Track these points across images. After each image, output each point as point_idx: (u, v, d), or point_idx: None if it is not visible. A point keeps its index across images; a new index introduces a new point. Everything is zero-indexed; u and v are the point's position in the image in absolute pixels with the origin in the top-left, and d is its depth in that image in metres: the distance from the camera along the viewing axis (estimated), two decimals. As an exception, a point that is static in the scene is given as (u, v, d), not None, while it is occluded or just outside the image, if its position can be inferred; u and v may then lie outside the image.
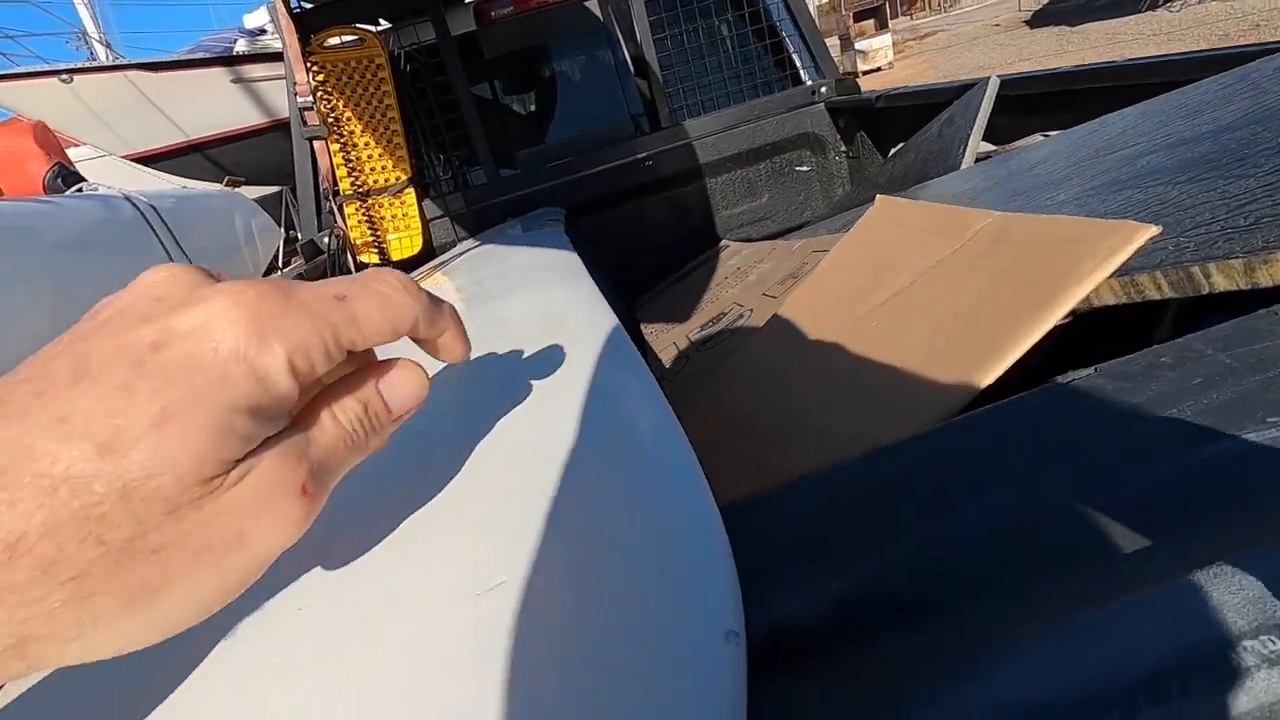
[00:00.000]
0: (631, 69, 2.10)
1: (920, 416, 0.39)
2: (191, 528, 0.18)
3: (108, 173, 5.06)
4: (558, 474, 0.27)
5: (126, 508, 0.17)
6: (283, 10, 1.64)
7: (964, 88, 1.30)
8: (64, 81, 5.48)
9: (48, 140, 2.70)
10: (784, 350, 0.61)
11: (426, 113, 1.88)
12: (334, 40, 1.71)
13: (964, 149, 1.03)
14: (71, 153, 4.85)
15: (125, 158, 5.67)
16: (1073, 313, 0.43)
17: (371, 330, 0.22)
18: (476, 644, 0.19)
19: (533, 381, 0.40)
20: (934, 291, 0.50)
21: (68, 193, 2.54)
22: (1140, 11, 10.84)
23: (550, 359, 0.41)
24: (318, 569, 0.28)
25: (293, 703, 0.21)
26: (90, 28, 9.41)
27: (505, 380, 0.40)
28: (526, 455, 0.32)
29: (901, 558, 0.24)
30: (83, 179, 2.69)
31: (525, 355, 0.43)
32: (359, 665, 0.21)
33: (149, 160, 5.72)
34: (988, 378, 0.39)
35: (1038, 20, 13.46)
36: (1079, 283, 0.40)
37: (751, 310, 0.87)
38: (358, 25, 1.73)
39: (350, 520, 0.31)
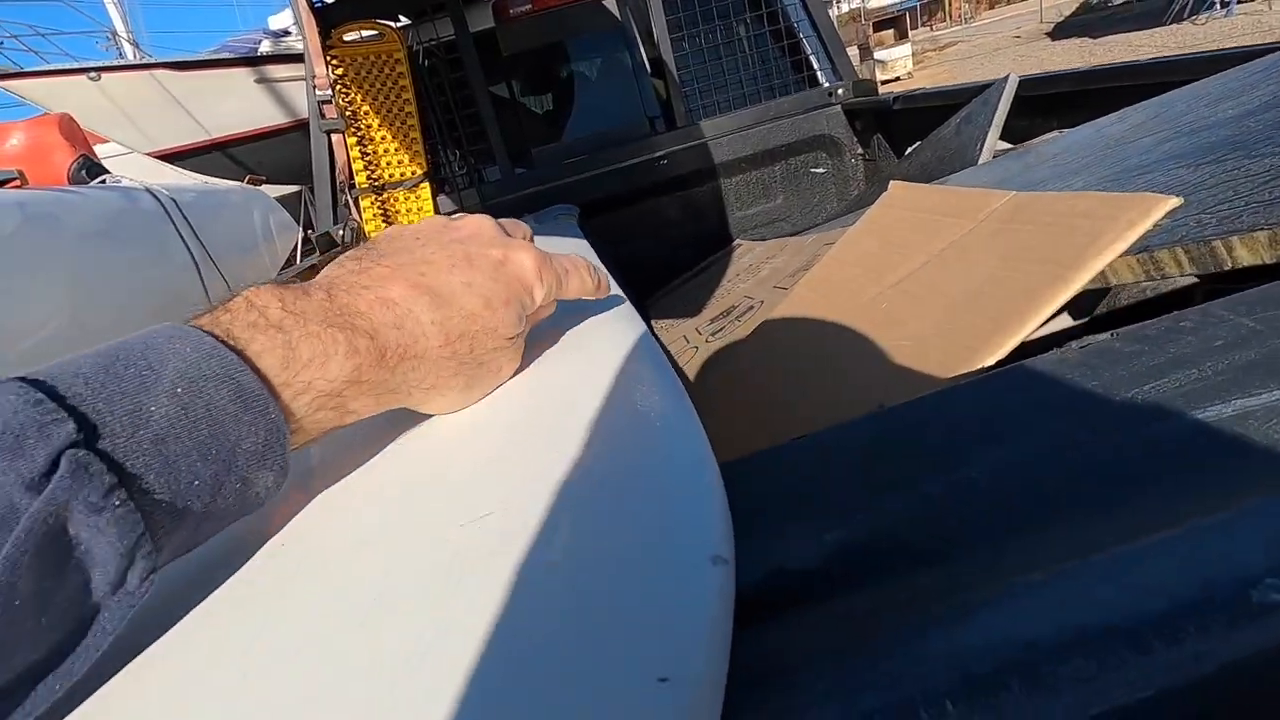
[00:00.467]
0: (648, 68, 2.11)
1: (929, 387, 0.38)
2: (497, 357, 0.32)
3: (132, 169, 5.14)
4: (548, 408, 0.27)
5: (483, 338, 0.31)
6: (304, 4, 1.66)
7: (982, 88, 1.29)
8: (92, 79, 5.59)
9: (73, 132, 2.74)
10: (794, 331, 0.60)
11: (443, 108, 1.89)
12: (353, 35, 1.72)
13: (981, 146, 1.02)
14: (98, 149, 4.94)
15: (149, 155, 5.76)
16: (1087, 297, 0.42)
17: (570, 292, 0.37)
18: (455, 572, 0.18)
19: (538, 346, 0.39)
20: (947, 271, 0.49)
21: (91, 184, 2.58)
22: (1164, 24, 10.74)
23: (553, 323, 0.41)
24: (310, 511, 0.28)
25: (268, 635, 0.20)
26: (120, 27, 9.60)
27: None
28: (519, 397, 0.32)
29: (902, 509, 0.23)
30: (106, 171, 2.73)
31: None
32: (334, 591, 0.20)
33: (172, 158, 5.81)
34: (998, 352, 0.38)
35: (1059, 32, 13.37)
36: (1097, 255, 0.39)
37: (762, 302, 0.87)
38: (377, 20, 1.74)
39: (350, 454, 0.32)
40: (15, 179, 2.07)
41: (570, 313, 0.41)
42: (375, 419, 0.30)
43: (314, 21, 1.69)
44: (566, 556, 0.18)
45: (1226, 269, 0.35)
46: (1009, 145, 1.17)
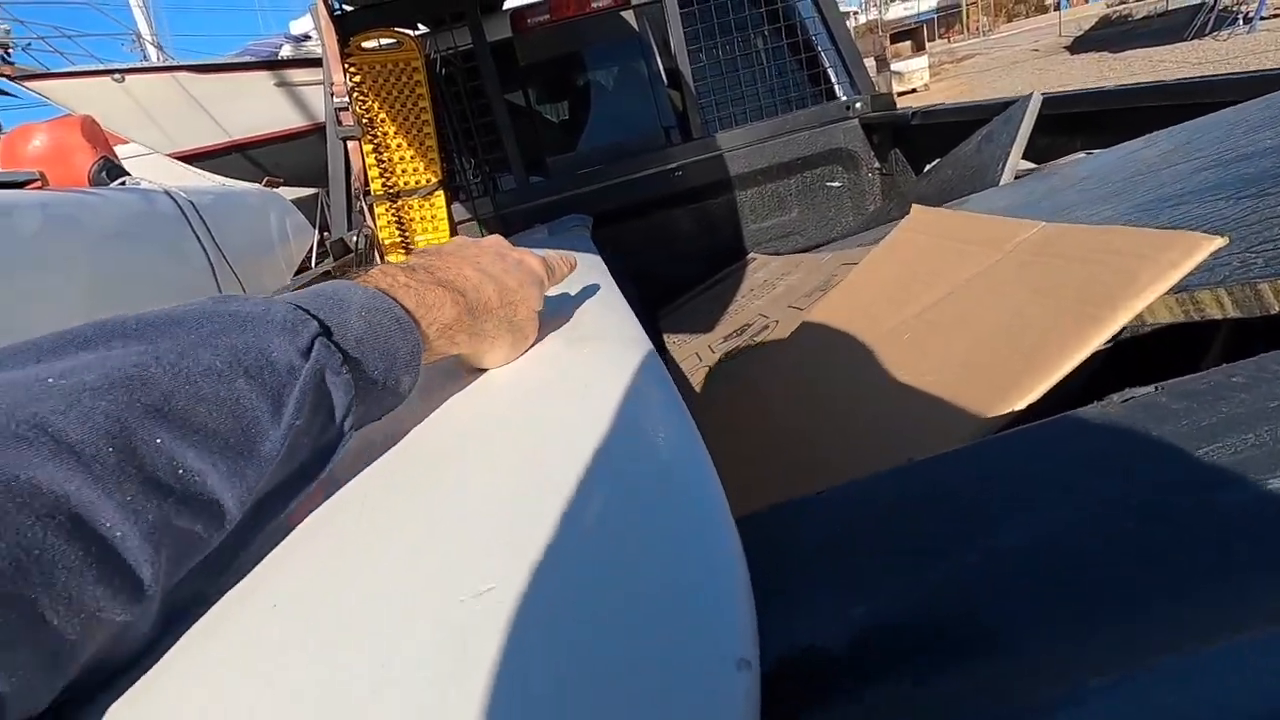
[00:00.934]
0: (665, 79, 2.10)
1: (956, 435, 0.37)
2: (527, 324, 0.44)
3: (153, 169, 5.21)
4: (563, 478, 0.25)
5: (519, 307, 0.43)
6: (323, 11, 1.67)
7: (1004, 105, 1.27)
8: (117, 81, 5.67)
9: (95, 134, 2.77)
10: (810, 361, 0.59)
11: (459, 117, 1.89)
12: (372, 43, 1.73)
13: (1003, 165, 1.00)
14: (119, 149, 5.00)
15: (170, 155, 5.83)
16: (1119, 334, 0.40)
17: (558, 278, 0.51)
18: (456, 655, 0.17)
19: (548, 384, 0.39)
20: (972, 304, 0.47)
21: (111, 185, 2.61)
22: (1186, 40, 10.65)
23: (569, 362, 0.40)
24: (303, 564, 0.27)
25: (260, 701, 0.19)
26: (144, 30, 9.75)
27: (519, 384, 0.42)
28: (533, 459, 0.31)
29: (937, 581, 0.22)
30: (126, 173, 2.76)
31: (543, 358, 0.45)
32: (331, 662, 0.19)
33: (193, 159, 5.87)
34: (1030, 395, 0.36)
35: (1079, 46, 13.29)
36: (1135, 296, 0.37)
37: (777, 322, 0.85)
38: (396, 29, 1.75)
39: (350, 521, 0.31)
40: (36, 180, 2.09)
41: (586, 347, 0.40)
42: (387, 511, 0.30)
43: (333, 29, 1.70)
44: (576, 660, 0.16)
45: (1274, 313, 0.34)
46: (1032, 165, 1.15)
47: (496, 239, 0.47)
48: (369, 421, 0.35)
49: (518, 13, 1.96)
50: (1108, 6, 20.39)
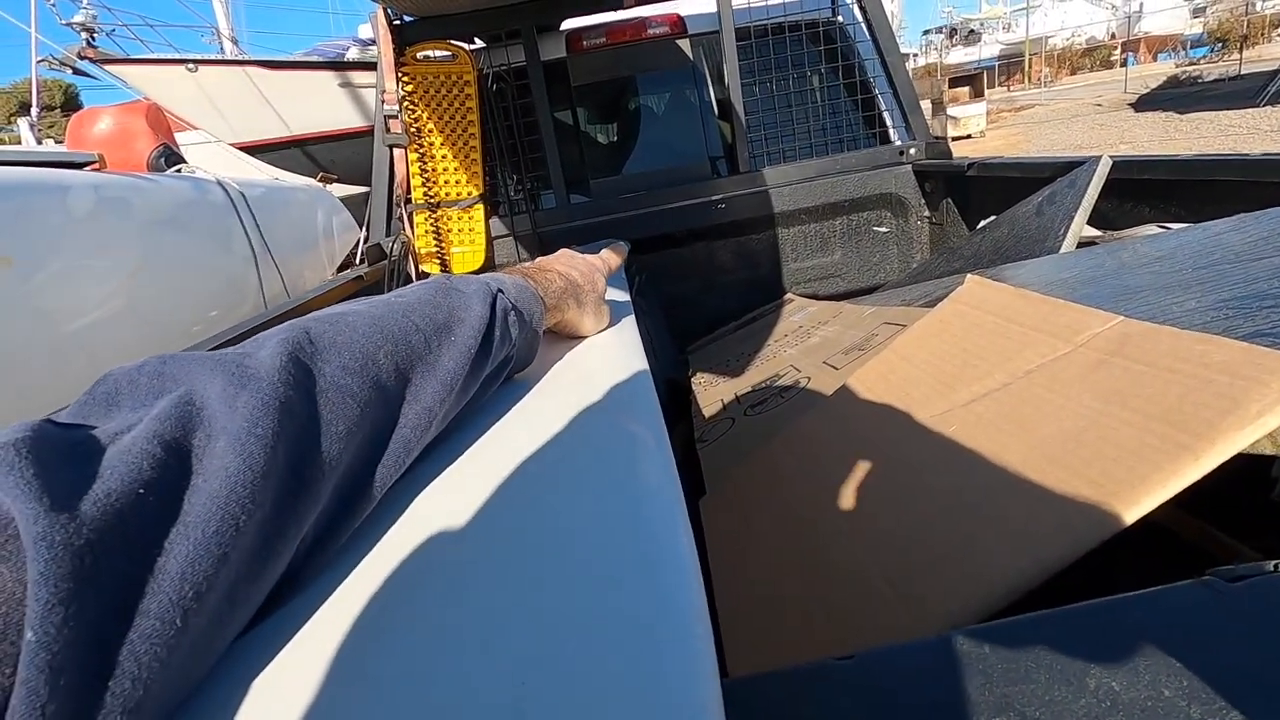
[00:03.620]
0: (715, 110, 2.08)
1: (995, 579, 0.31)
2: (600, 305, 0.64)
3: (213, 157, 5.39)
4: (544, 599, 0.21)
5: (593, 290, 0.64)
6: (382, 21, 1.69)
7: (1069, 165, 1.20)
8: (190, 70, 5.92)
9: (158, 121, 2.86)
10: (842, 438, 0.53)
11: (506, 132, 1.89)
12: (426, 53, 1.74)
13: (1065, 231, 0.94)
14: (185, 135, 5.18)
15: (232, 145, 6.04)
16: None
17: (616, 267, 0.74)
18: None
19: (535, 461, 0.36)
20: (1032, 401, 0.42)
21: (167, 172, 2.68)
22: (1258, 105, 10.34)
23: (567, 433, 0.36)
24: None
25: None
26: (223, 25, 10.16)
27: (508, 450, 0.40)
28: (488, 561, 0.27)
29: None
30: (183, 160, 2.83)
31: (542, 418, 0.44)
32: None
33: (253, 150, 6.06)
34: (1104, 530, 0.31)
35: (1144, 104, 13.01)
36: (1237, 428, 0.31)
37: (809, 379, 0.80)
38: (452, 42, 1.76)
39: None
40: (95, 162, 2.15)
41: (587, 428, 0.37)
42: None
43: (390, 38, 1.71)
44: None
45: None
46: (1096, 232, 1.08)
47: (563, 251, 0.66)
48: (520, 365, 0.51)
49: (574, 34, 1.96)
50: (1176, 66, 19.98)
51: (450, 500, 0.35)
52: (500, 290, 0.47)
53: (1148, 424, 0.35)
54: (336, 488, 0.30)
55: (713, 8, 1.83)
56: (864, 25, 1.88)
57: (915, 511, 0.41)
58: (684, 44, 2.00)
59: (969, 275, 0.61)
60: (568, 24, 1.97)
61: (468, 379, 0.41)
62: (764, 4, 1.84)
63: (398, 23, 1.73)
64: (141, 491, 0.23)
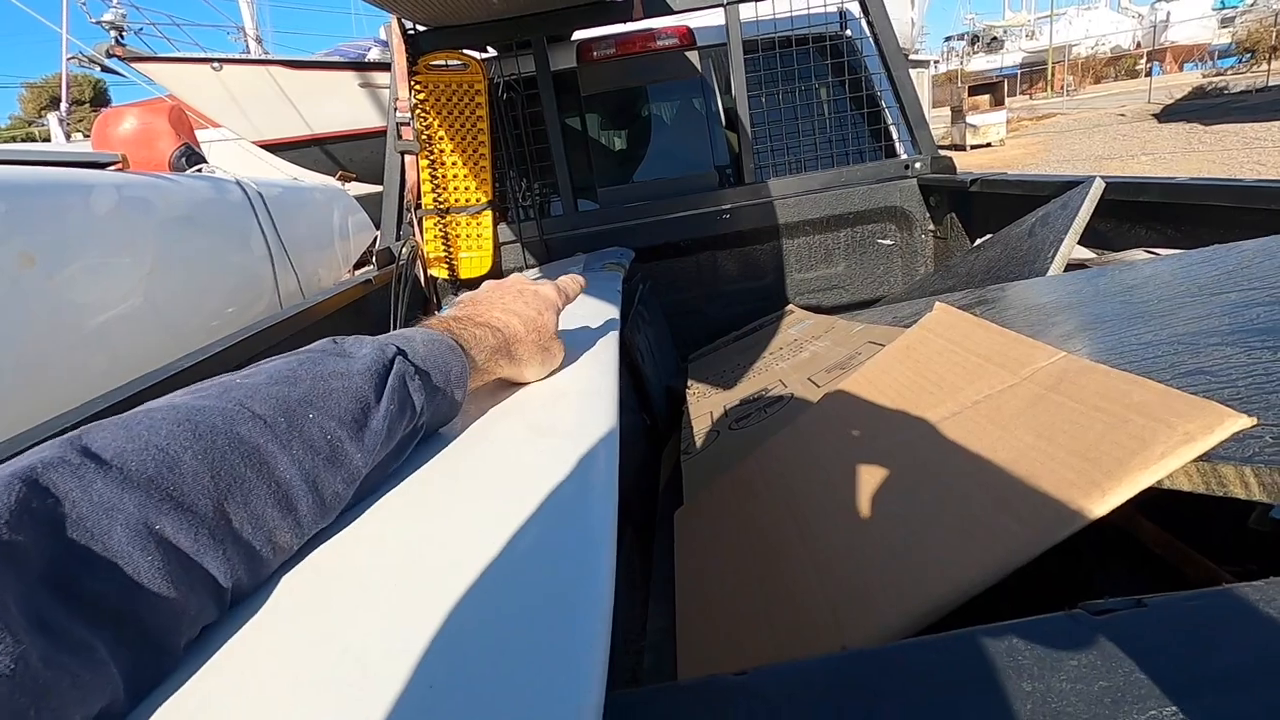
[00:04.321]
0: (722, 121, 2.10)
1: (908, 601, 0.33)
2: (551, 345, 0.57)
3: (234, 155, 5.49)
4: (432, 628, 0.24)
5: (541, 332, 0.56)
6: (397, 31, 1.73)
7: (1066, 185, 1.21)
8: (215, 69, 6.01)
9: (180, 121, 2.93)
10: (804, 459, 0.56)
11: (516, 141, 1.92)
12: (439, 62, 1.78)
13: (1054, 254, 0.95)
14: (207, 133, 5.28)
15: (254, 143, 6.13)
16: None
17: (572, 298, 0.64)
18: None
19: (481, 485, 0.38)
20: (975, 432, 0.44)
21: (188, 172, 2.74)
22: (1286, 118, 10.17)
23: (521, 463, 0.39)
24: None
25: None
26: (248, 25, 10.32)
27: (449, 471, 0.43)
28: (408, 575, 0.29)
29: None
30: (204, 160, 2.90)
31: (497, 447, 0.46)
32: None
33: (274, 148, 6.16)
34: (1016, 558, 0.33)
35: (1168, 115, 12.83)
36: (1142, 468, 0.33)
37: (792, 396, 0.82)
38: (464, 51, 1.79)
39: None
40: (118, 162, 2.21)
41: (543, 452, 0.39)
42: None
43: (404, 47, 1.75)
44: None
45: (1306, 505, 0.30)
46: (1089, 253, 1.09)
47: (516, 278, 0.62)
48: (435, 425, 0.47)
49: (584, 44, 2.00)
50: (1203, 77, 19.68)
51: (375, 525, 0.37)
52: (400, 352, 0.43)
53: (1068, 460, 0.37)
54: (110, 630, 0.25)
55: (722, 20, 1.85)
56: (871, 39, 1.89)
57: (855, 534, 0.43)
58: (693, 56, 2.02)
59: (937, 301, 0.63)
60: (578, 34, 2.01)
61: (327, 473, 0.35)
62: (772, 17, 1.86)
63: (412, 33, 1.77)
64: None
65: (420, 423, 0.44)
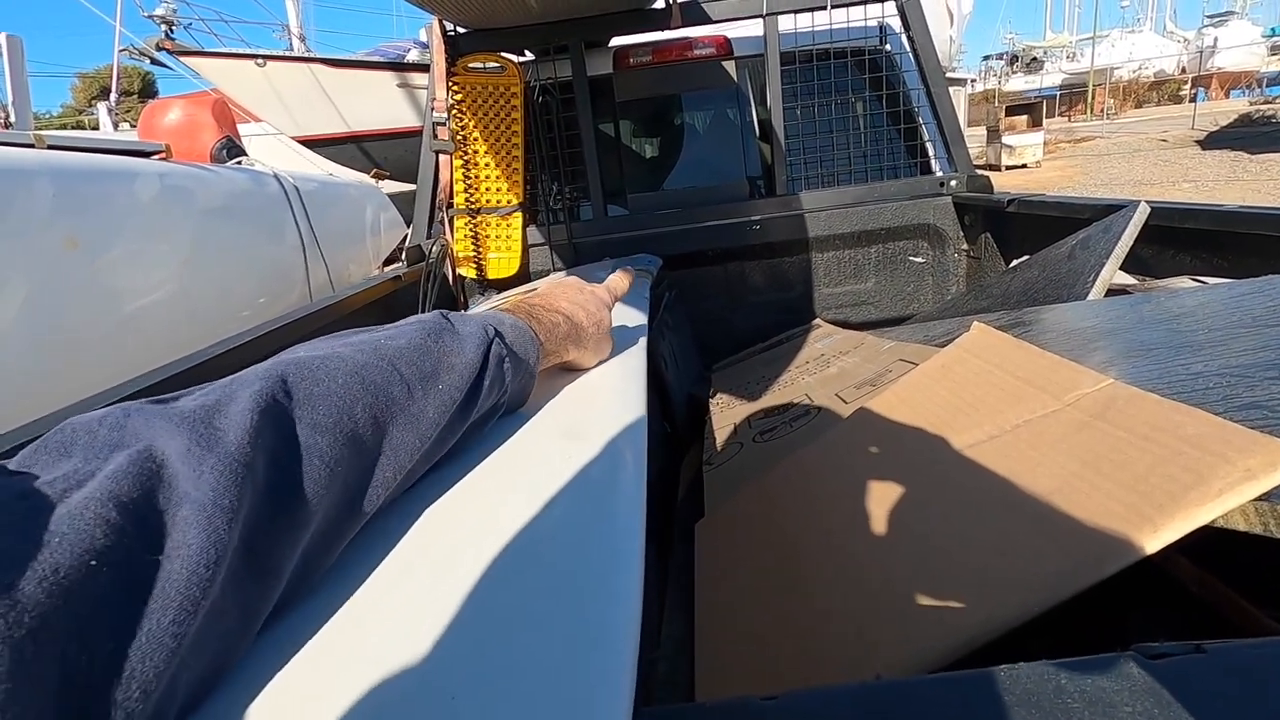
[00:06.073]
0: (756, 132, 2.09)
1: (944, 632, 0.32)
2: (604, 338, 0.63)
3: (273, 149, 5.60)
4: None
5: (597, 326, 0.62)
6: (438, 31, 1.75)
7: (1109, 208, 1.18)
8: (259, 65, 6.15)
9: (223, 114, 3.00)
10: (832, 476, 0.54)
11: (549, 144, 1.93)
12: (477, 64, 1.79)
13: (1095, 278, 0.92)
14: (248, 127, 5.40)
15: (293, 138, 6.25)
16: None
17: (621, 295, 0.70)
18: None
19: (510, 493, 0.38)
20: (1015, 457, 0.42)
21: (228, 163, 2.80)
22: (1336, 150, 9.88)
23: (551, 465, 0.38)
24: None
25: None
26: (293, 23, 10.56)
27: (485, 482, 0.42)
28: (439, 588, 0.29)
29: None
30: (244, 153, 2.96)
31: (525, 450, 0.46)
32: None
33: (312, 144, 6.28)
34: (1056, 594, 0.31)
35: (1212, 142, 12.54)
36: (1201, 504, 0.31)
37: (819, 410, 0.80)
38: (503, 54, 1.81)
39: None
40: (161, 151, 2.26)
41: (573, 458, 0.39)
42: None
43: (444, 48, 1.77)
44: None
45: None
46: (1130, 279, 1.06)
47: (574, 279, 0.67)
48: (513, 406, 0.51)
49: (621, 51, 2.00)
50: (1250, 104, 19.23)
51: (408, 526, 0.36)
52: (498, 334, 0.46)
53: (1116, 491, 0.35)
54: (297, 555, 0.29)
55: (760, 31, 1.84)
56: (910, 54, 1.87)
57: (887, 556, 0.42)
58: (729, 65, 2.02)
59: (974, 321, 0.61)
60: (615, 41, 2.01)
61: (450, 427, 0.40)
62: (810, 29, 1.85)
63: (452, 34, 1.79)
64: (94, 564, 0.20)
65: (503, 400, 0.48)
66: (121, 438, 0.25)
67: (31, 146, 1.87)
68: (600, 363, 0.63)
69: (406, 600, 0.28)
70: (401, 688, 0.22)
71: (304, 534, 0.29)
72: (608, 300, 0.66)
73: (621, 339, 0.69)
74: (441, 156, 1.83)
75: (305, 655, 0.27)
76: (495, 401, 0.46)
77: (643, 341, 0.68)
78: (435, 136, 1.81)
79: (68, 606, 0.19)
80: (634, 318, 0.79)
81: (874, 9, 1.88)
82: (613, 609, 0.23)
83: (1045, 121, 13.46)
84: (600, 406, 0.51)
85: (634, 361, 0.62)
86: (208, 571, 0.23)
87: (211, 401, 0.29)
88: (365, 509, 0.33)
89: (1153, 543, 0.31)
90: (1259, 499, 0.31)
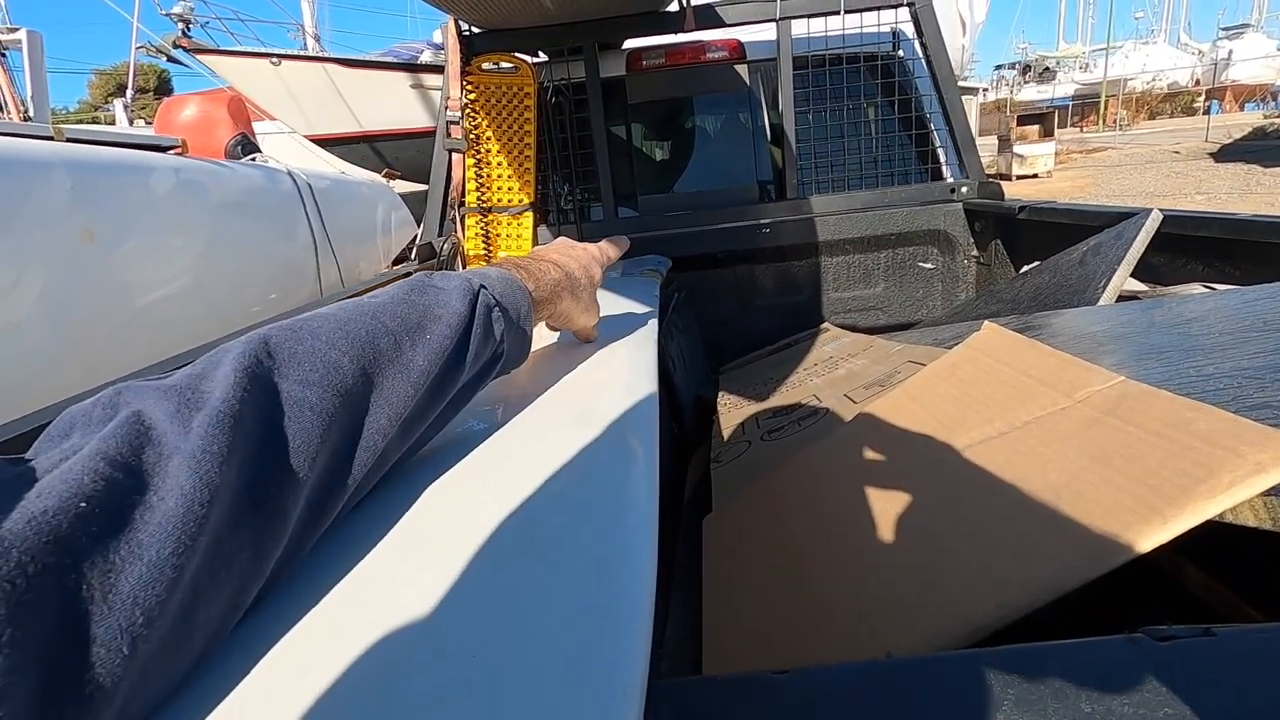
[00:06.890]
0: (768, 135, 2.10)
1: (955, 616, 0.32)
2: (594, 298, 0.64)
3: (286, 147, 5.64)
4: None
5: (589, 281, 0.62)
6: (453, 31, 1.76)
7: (1120, 215, 1.18)
8: (274, 64, 6.19)
9: (239, 111, 3.03)
10: (841, 472, 0.55)
11: (561, 144, 1.94)
12: (491, 65, 1.81)
13: (1106, 284, 0.92)
14: (262, 125, 5.44)
15: (306, 137, 6.30)
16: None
17: (613, 259, 0.70)
18: None
19: (523, 472, 0.38)
20: (1025, 453, 0.42)
21: (243, 160, 2.83)
22: (1351, 164, 9.81)
23: (566, 449, 0.39)
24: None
25: None
26: (308, 23, 10.65)
27: (497, 460, 0.43)
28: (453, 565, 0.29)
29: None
30: (259, 150, 2.98)
31: (538, 430, 0.47)
32: None
33: (324, 143, 6.32)
34: (1063, 584, 0.32)
35: (1225, 155, 12.46)
36: (1208, 498, 0.32)
37: (827, 411, 0.81)
38: (517, 55, 1.82)
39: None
40: (178, 146, 2.28)
41: (585, 444, 0.39)
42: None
43: (459, 48, 1.79)
44: None
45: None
46: (1141, 286, 1.06)
47: (561, 240, 0.67)
48: (513, 361, 0.51)
49: (634, 53, 2.01)
50: (1264, 117, 19.11)
51: (429, 505, 0.37)
52: (483, 286, 0.46)
53: (1126, 484, 0.35)
54: (301, 500, 0.30)
55: (773, 35, 1.85)
56: (923, 60, 1.87)
57: (894, 549, 0.42)
58: (741, 69, 2.03)
59: (985, 321, 0.61)
60: (629, 43, 2.03)
61: (444, 378, 0.40)
62: (824, 34, 1.85)
63: (467, 34, 1.81)
64: (83, 505, 0.21)
65: (500, 351, 0.48)
66: (113, 412, 0.27)
67: (50, 139, 1.90)
68: (609, 361, 0.62)
69: (431, 570, 0.29)
70: (426, 647, 0.23)
71: (305, 478, 0.30)
72: (599, 257, 0.66)
73: (632, 331, 0.69)
74: (454, 155, 1.84)
75: (319, 618, 0.28)
76: (493, 353, 0.46)
77: (653, 338, 0.68)
78: (448, 135, 1.82)
79: (58, 543, 0.20)
80: (644, 315, 0.79)
81: (887, 14, 1.88)
82: (628, 580, 0.23)
83: (1057, 132, 13.41)
84: (611, 396, 0.51)
85: (644, 354, 0.62)
86: (202, 509, 0.24)
87: (198, 370, 0.30)
88: (368, 456, 0.34)
89: (1161, 534, 0.32)
90: (1268, 493, 0.32)
